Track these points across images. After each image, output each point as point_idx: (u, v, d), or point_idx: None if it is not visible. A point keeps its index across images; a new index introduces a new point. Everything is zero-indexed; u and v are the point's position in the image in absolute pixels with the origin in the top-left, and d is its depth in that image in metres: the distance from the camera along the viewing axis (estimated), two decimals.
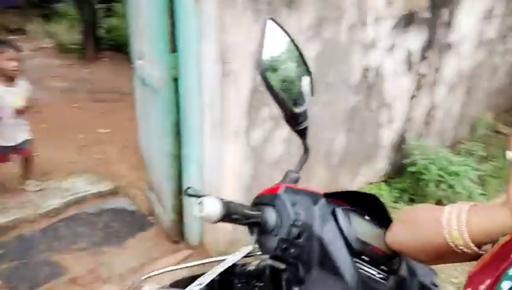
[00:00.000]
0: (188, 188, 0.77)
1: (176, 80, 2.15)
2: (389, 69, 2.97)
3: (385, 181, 3.41)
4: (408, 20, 2.90)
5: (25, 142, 2.93)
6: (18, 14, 9.57)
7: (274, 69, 0.83)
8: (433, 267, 0.88)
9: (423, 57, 3.20)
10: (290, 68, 0.87)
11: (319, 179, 2.84)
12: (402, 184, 3.30)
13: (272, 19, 0.83)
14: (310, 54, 2.39)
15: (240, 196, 2.35)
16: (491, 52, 3.91)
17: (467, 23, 3.42)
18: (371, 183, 3.32)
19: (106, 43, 7.42)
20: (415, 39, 3.05)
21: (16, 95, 2.74)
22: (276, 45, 0.84)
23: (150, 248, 2.48)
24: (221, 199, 0.67)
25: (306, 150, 0.93)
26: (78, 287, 2.24)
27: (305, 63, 0.89)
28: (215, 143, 2.20)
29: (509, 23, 3.96)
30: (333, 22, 2.44)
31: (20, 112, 2.78)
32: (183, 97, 2.17)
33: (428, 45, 3.19)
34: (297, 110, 0.85)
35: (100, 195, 2.96)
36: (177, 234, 2.53)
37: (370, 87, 2.90)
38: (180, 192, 2.43)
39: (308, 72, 0.89)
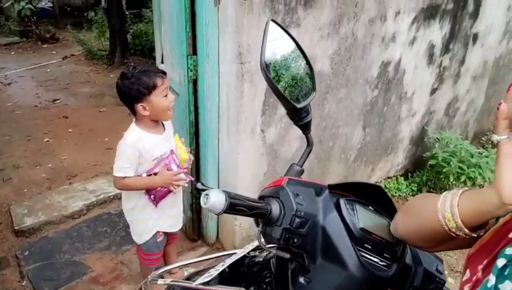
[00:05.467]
0: (197, 182, 0.82)
1: (194, 82, 2.12)
2: (409, 63, 2.80)
3: (404, 175, 3.24)
4: (430, 12, 2.72)
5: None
6: (52, 23, 9.84)
7: (277, 67, 0.83)
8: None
9: (446, 50, 3.00)
10: (292, 65, 0.86)
11: (335, 175, 2.70)
12: (421, 178, 3.14)
13: (273, 20, 0.83)
14: (327, 51, 2.27)
15: (255, 193, 2.26)
16: None
17: (493, 13, 3.19)
18: (389, 178, 3.16)
19: (134, 49, 7.48)
20: (437, 32, 2.86)
21: (172, 142, 1.74)
22: (278, 44, 0.83)
23: None
24: (227, 192, 0.67)
25: (309, 143, 0.92)
26: (99, 286, 2.19)
27: (306, 60, 0.87)
28: (232, 142, 2.12)
29: None
30: (351, 18, 2.30)
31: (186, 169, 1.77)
32: (202, 98, 2.14)
33: (452, 37, 2.99)
34: (299, 105, 0.84)
35: None
36: (195, 232, 2.47)
37: (389, 82, 2.74)
38: (198, 191, 2.37)
39: (310, 69, 0.88)
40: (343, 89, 2.49)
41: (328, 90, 2.40)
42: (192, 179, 1.91)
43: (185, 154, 1.76)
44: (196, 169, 2.31)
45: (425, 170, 3.10)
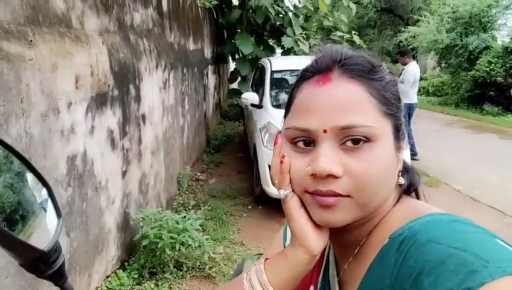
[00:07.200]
0: None
1: None
2: (95, 152, 2.66)
3: (121, 267, 3.03)
4: (100, 100, 2.71)
5: None
6: None
7: None
8: None
9: (124, 133, 3.07)
10: (18, 193, 0.56)
11: None
12: (138, 262, 3.02)
13: None
14: None
15: None
16: (175, 116, 4.25)
17: (152, 94, 3.57)
18: (108, 277, 2.87)
19: None
20: (112, 117, 2.88)
21: None
22: None
23: None
24: None
25: None
26: None
27: (38, 177, 0.60)
28: None
29: (180, 89, 4.45)
30: (20, 116, 1.95)
31: None
32: None
33: (126, 121, 3.11)
34: (47, 247, 0.55)
35: None
36: None
37: (81, 176, 2.50)
38: None
39: (46, 187, 0.60)
40: None
41: None
42: None
43: None
44: None
45: (141, 253, 3.00)
